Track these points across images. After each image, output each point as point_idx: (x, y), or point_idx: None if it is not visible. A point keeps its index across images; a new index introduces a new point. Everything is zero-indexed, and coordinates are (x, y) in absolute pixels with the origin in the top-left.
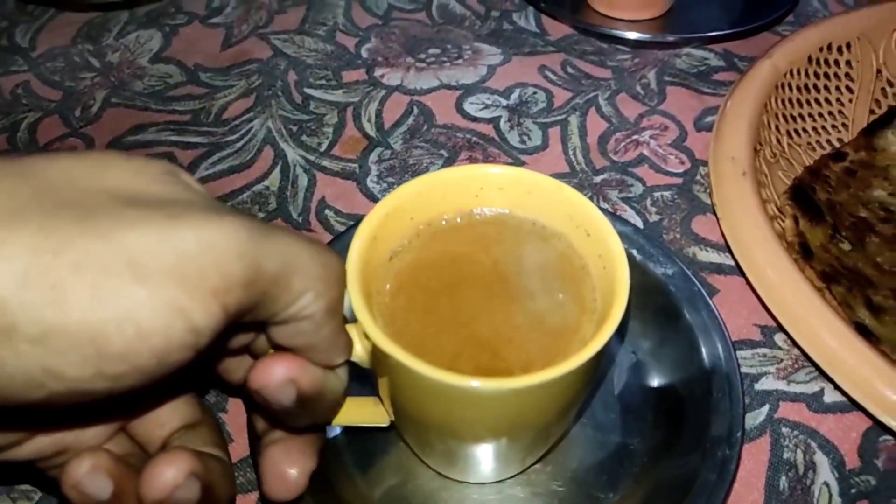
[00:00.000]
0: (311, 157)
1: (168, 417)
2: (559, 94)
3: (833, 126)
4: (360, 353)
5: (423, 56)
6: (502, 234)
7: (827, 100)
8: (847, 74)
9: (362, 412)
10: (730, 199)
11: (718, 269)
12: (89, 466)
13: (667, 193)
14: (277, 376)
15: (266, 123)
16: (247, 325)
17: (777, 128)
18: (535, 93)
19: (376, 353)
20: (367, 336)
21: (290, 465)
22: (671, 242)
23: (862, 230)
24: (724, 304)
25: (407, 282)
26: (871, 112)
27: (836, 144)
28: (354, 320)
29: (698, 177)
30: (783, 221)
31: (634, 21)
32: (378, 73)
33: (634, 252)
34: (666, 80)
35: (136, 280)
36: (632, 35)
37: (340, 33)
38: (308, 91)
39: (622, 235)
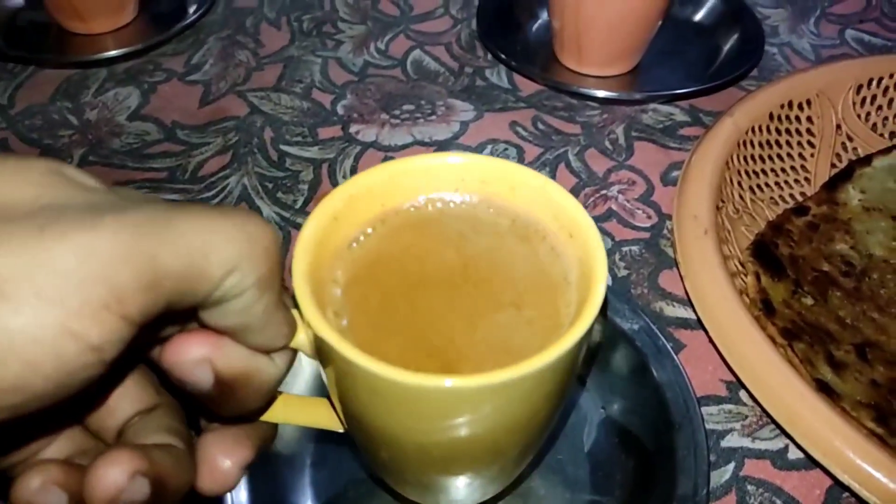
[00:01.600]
0: (287, 214)
1: (119, 405)
2: (530, 150)
3: (795, 180)
4: (303, 341)
5: (397, 112)
6: (478, 230)
7: (789, 155)
8: (808, 130)
9: (312, 413)
10: (692, 258)
11: (685, 324)
12: (39, 483)
13: (635, 248)
14: (190, 354)
15: (242, 180)
16: (180, 312)
17: (739, 184)
18: (506, 149)
19: (318, 342)
20: (310, 326)
21: (225, 456)
22: (639, 297)
23: (824, 284)
24: (691, 360)
25: (365, 274)
26: (833, 166)
27: (799, 199)
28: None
29: (665, 231)
30: (745, 278)
31: (603, 77)
32: (353, 129)
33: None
34: (633, 135)
35: (11, 310)
36: (600, 93)
37: (317, 90)
38: (284, 148)
39: None
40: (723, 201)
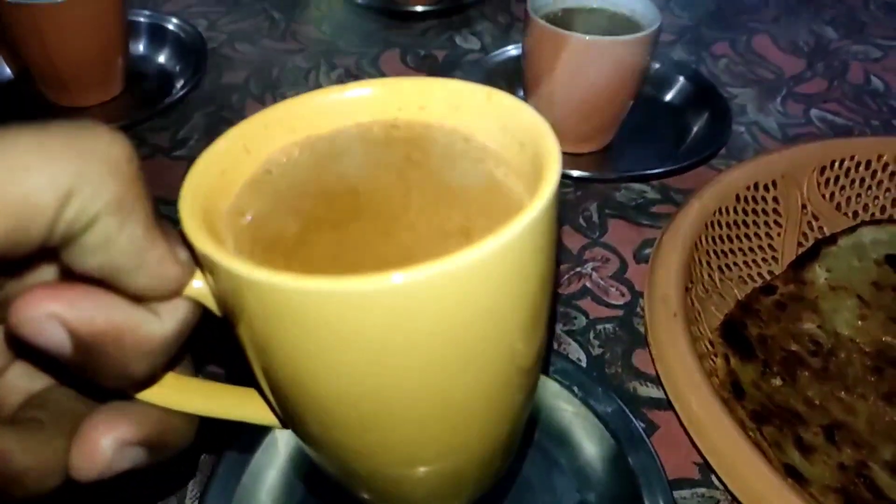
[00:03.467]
0: None
1: (13, 383)
2: None
3: (763, 259)
4: (201, 288)
5: None
6: (429, 153)
7: (756, 234)
8: (774, 210)
9: (237, 402)
10: (663, 341)
11: (658, 404)
12: None
13: (609, 326)
14: (34, 310)
15: None
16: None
17: (708, 263)
18: None
19: (219, 280)
20: (198, 254)
21: (100, 430)
22: (613, 377)
23: (793, 364)
24: (663, 442)
25: (283, 204)
26: (800, 245)
27: (767, 277)
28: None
29: (638, 309)
30: (715, 359)
31: (577, 154)
32: None
33: (576, 389)
34: (607, 212)
35: None
36: (575, 172)
37: None
38: None
39: (565, 373)
40: (692, 282)
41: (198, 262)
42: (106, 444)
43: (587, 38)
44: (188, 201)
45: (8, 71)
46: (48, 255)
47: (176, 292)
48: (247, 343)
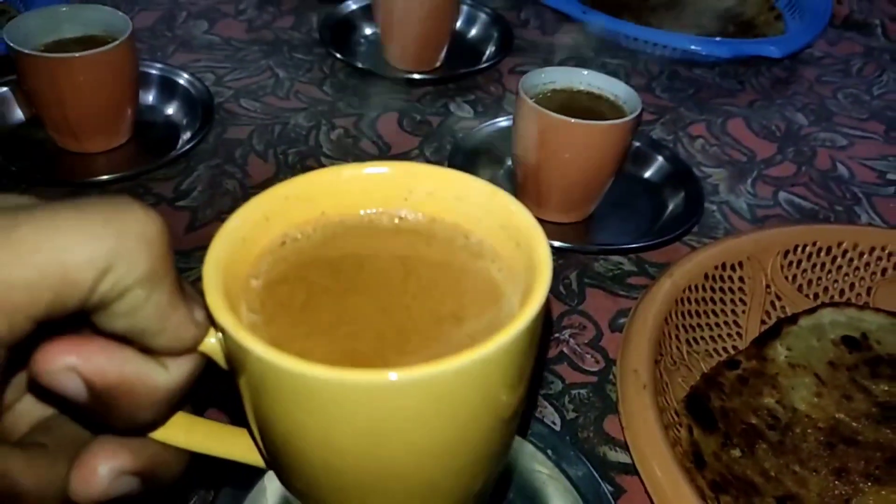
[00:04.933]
0: None
1: (24, 408)
2: None
3: (728, 334)
4: (214, 346)
5: None
6: (431, 244)
7: (723, 311)
8: (740, 289)
9: (224, 441)
10: (632, 411)
11: (625, 469)
12: None
13: (583, 391)
14: (54, 363)
15: None
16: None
17: (677, 337)
18: None
19: (227, 341)
20: (213, 320)
21: (99, 459)
22: (585, 441)
23: (752, 437)
24: None
25: (294, 273)
26: (763, 322)
27: (731, 352)
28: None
29: (611, 376)
30: (679, 429)
31: (560, 224)
32: None
33: (549, 452)
34: (586, 281)
35: None
36: (556, 243)
37: None
38: None
39: (539, 436)
40: (661, 354)
41: (213, 323)
42: (103, 471)
43: (572, 120)
44: (211, 270)
45: (21, 114)
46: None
47: (191, 350)
48: (246, 397)
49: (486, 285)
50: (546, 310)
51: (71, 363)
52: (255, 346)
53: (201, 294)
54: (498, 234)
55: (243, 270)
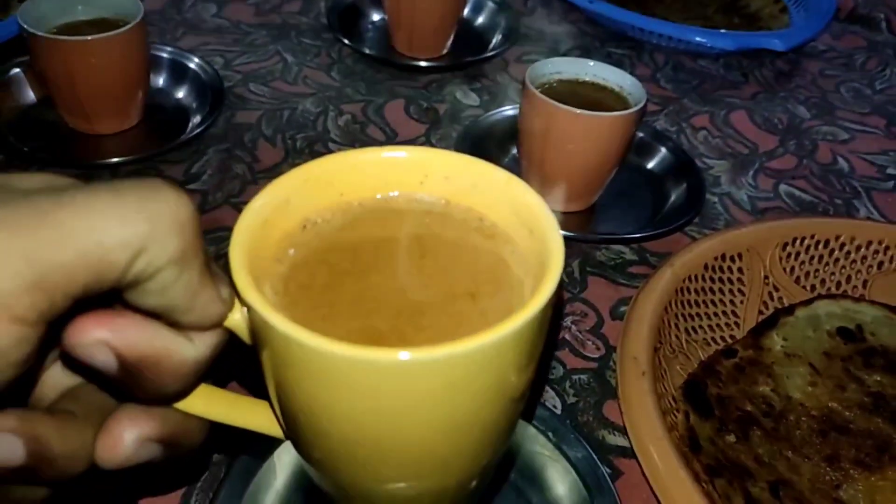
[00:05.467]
0: None
1: (51, 378)
2: None
3: (726, 324)
4: (238, 321)
5: None
6: (446, 225)
7: (721, 301)
8: (739, 279)
9: (245, 412)
10: (631, 397)
11: (623, 453)
12: None
13: (583, 377)
14: (86, 336)
15: None
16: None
17: (676, 326)
18: None
19: (251, 317)
20: (240, 298)
21: (124, 425)
22: (584, 425)
23: (747, 423)
24: (627, 487)
25: (315, 256)
26: (760, 313)
27: (729, 341)
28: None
29: (611, 363)
30: (677, 415)
31: (564, 213)
32: None
33: (550, 434)
34: (588, 269)
35: None
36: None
37: None
38: None
39: (540, 420)
40: (661, 342)
41: (239, 300)
42: (129, 437)
43: (577, 111)
44: (237, 251)
45: (32, 95)
46: None
47: (217, 325)
48: (268, 370)
49: (499, 267)
50: (557, 296)
51: (102, 337)
52: (279, 322)
53: (226, 272)
54: (511, 220)
55: (267, 251)
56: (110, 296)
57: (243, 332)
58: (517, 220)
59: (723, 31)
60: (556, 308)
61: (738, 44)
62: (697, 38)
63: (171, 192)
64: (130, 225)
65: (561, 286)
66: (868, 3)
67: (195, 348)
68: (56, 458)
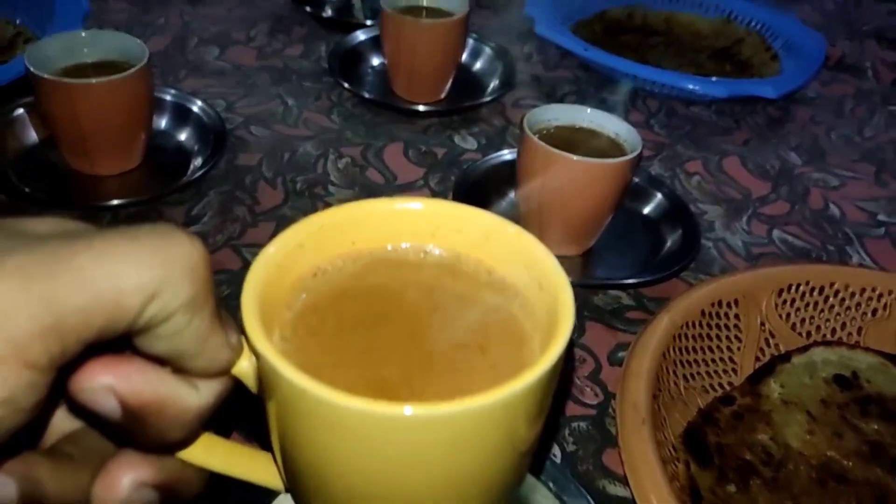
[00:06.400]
0: None
1: (57, 421)
2: None
3: (724, 370)
4: (246, 368)
5: None
6: (456, 278)
7: (718, 347)
8: (735, 326)
9: (245, 463)
10: (631, 446)
11: (624, 503)
12: None
13: (583, 424)
14: (92, 381)
15: None
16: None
17: (675, 372)
18: None
19: (259, 364)
20: (249, 345)
21: (123, 469)
22: (584, 474)
23: (746, 473)
24: None
25: (325, 304)
26: (757, 359)
27: (727, 387)
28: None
29: (610, 410)
30: (677, 464)
31: (561, 256)
32: None
33: (551, 484)
34: (585, 314)
35: None
36: None
37: None
38: None
39: (541, 468)
40: (660, 389)
41: (249, 346)
42: (126, 481)
43: (574, 158)
44: (249, 295)
45: (35, 136)
46: None
47: (224, 372)
48: (273, 420)
49: (509, 321)
50: (568, 352)
51: (108, 383)
52: (288, 371)
53: (235, 317)
54: (522, 274)
55: (278, 297)
56: (118, 341)
57: (250, 380)
58: (527, 274)
59: (715, 78)
60: (569, 363)
61: (731, 91)
62: (690, 86)
63: (184, 237)
64: (146, 269)
65: (571, 342)
66: (855, 53)
67: (200, 397)
68: (50, 499)
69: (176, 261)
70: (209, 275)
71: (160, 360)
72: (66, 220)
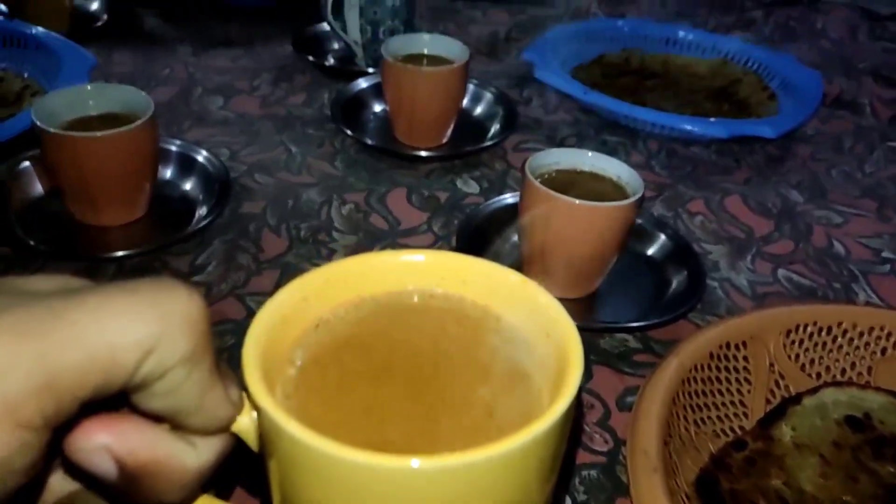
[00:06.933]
0: None
1: (55, 483)
2: None
3: (735, 414)
4: (246, 425)
5: None
6: (463, 325)
7: (728, 390)
8: (745, 368)
9: None
10: (642, 493)
11: None
12: None
13: (593, 472)
14: (88, 441)
15: None
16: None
17: (685, 417)
18: None
19: (261, 421)
20: (251, 400)
21: None
22: None
23: None
24: None
25: (328, 357)
26: (767, 401)
27: (738, 431)
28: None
29: (620, 457)
30: None
31: (564, 300)
32: None
33: None
34: (592, 358)
35: None
36: None
37: None
38: None
39: None
40: (670, 436)
41: (250, 401)
42: None
43: (577, 202)
44: (251, 350)
45: (40, 188)
46: None
47: (224, 429)
48: (275, 478)
49: (516, 371)
50: (577, 401)
51: (104, 443)
52: (292, 427)
53: (235, 371)
54: (528, 324)
55: (280, 352)
56: (116, 399)
57: (251, 437)
58: (534, 324)
59: (713, 119)
60: (579, 413)
61: (730, 132)
62: (688, 127)
63: (182, 291)
64: (142, 324)
65: (580, 393)
66: (852, 90)
67: (199, 456)
68: None
69: (173, 314)
70: (207, 328)
71: (158, 418)
72: (69, 278)
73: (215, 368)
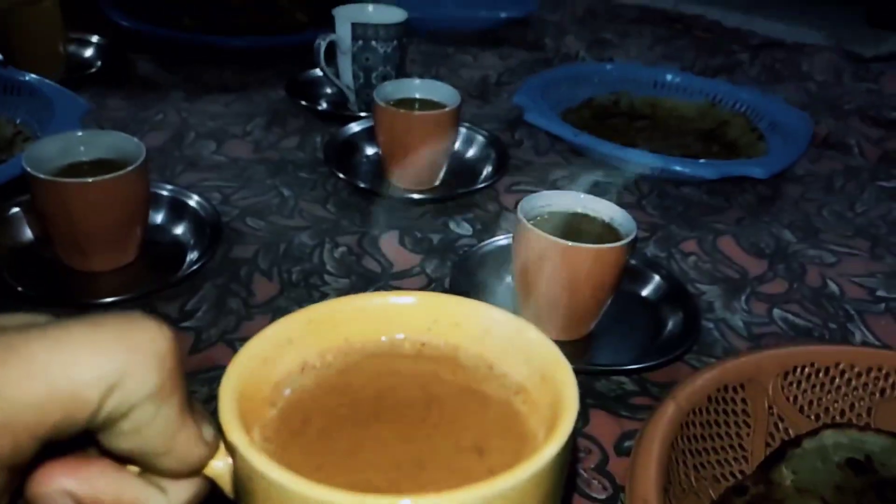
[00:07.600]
0: None
1: None
2: None
3: (734, 458)
4: (220, 468)
5: None
6: (455, 373)
7: (727, 434)
8: (743, 411)
9: None
10: None
11: None
12: None
13: None
14: (49, 485)
15: None
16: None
17: (684, 463)
18: None
19: (237, 465)
20: (226, 442)
21: None
22: None
23: None
24: None
25: (311, 401)
26: (767, 445)
27: (738, 476)
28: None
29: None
30: None
31: (558, 342)
32: None
33: None
34: (588, 402)
35: None
36: None
37: None
38: None
39: None
40: (670, 482)
41: (224, 443)
42: None
43: (570, 244)
44: (228, 390)
45: (30, 234)
46: None
47: (196, 471)
48: None
49: (510, 418)
50: (572, 444)
51: (66, 487)
52: (269, 469)
53: (212, 414)
54: (523, 367)
55: (261, 393)
56: (81, 438)
57: (226, 481)
58: (529, 367)
59: (703, 160)
60: (574, 456)
61: (720, 173)
62: (678, 168)
63: (150, 324)
64: (105, 358)
65: (576, 437)
66: (840, 131)
67: (168, 502)
68: None
69: (140, 348)
70: (178, 363)
71: (128, 459)
72: (36, 315)
73: (187, 406)
